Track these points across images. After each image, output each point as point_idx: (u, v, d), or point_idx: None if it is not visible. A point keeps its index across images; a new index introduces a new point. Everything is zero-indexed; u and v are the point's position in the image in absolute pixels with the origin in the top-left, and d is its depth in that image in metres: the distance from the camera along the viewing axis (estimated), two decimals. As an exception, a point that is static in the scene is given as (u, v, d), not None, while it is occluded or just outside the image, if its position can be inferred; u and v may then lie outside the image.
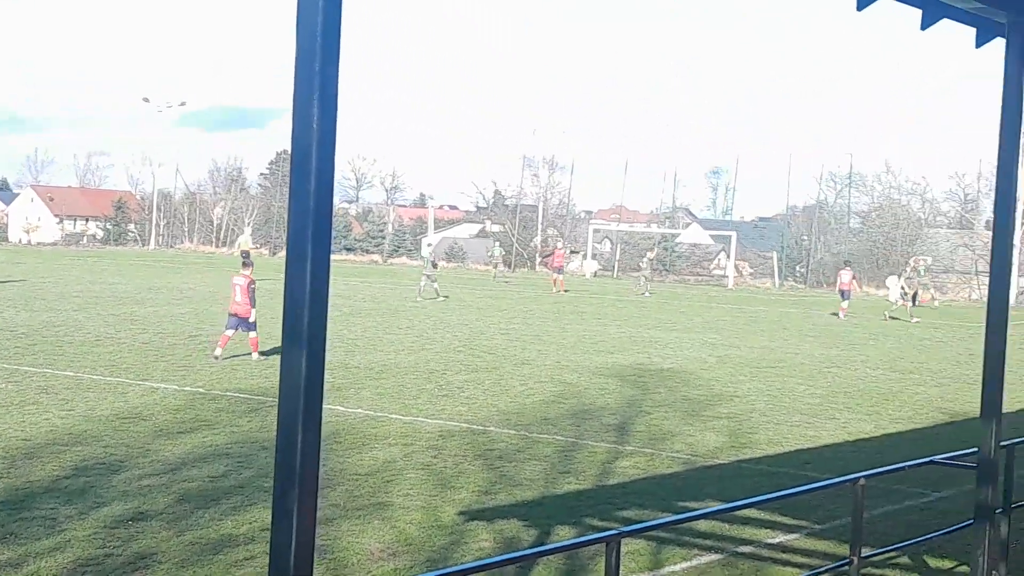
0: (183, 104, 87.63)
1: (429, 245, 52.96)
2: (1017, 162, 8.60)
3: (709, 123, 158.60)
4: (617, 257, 73.14)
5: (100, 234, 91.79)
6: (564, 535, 10.82)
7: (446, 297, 40.68)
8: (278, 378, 4.17)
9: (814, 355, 27.90)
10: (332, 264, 4.31)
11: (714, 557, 10.55)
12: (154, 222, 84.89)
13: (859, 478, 7.90)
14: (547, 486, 12.97)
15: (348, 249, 79.18)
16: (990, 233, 9.22)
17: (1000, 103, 8.34)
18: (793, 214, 77.89)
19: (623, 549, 6.03)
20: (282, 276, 4.20)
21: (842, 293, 42.88)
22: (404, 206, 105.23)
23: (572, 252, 68.46)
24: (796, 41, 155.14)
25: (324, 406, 4.23)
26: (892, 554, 10.14)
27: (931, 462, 9.60)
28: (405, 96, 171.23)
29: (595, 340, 28.99)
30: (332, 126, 4.17)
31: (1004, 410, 8.73)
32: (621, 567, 5.85)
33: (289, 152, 4.24)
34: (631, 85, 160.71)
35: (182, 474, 12.74)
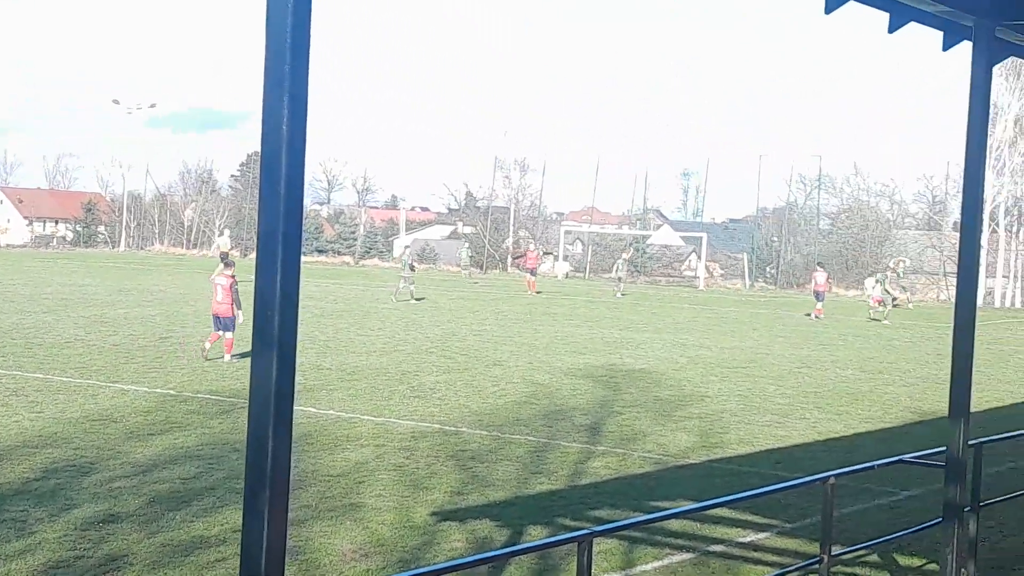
0: (153, 106, 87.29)
1: (406, 247, 52.63)
2: (984, 163, 8.68)
3: (679, 126, 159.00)
4: (589, 259, 73.21)
5: (70, 236, 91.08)
6: (536, 535, 10.84)
7: (420, 299, 40.60)
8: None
9: (784, 355, 28.03)
10: (304, 266, 4.31)
11: (686, 556, 10.60)
12: (124, 224, 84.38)
13: (829, 477, 7.96)
14: (519, 486, 12.98)
15: (320, 251, 78.92)
16: (958, 234, 9.30)
17: (967, 105, 8.42)
18: (763, 216, 78.08)
19: (595, 549, 6.05)
20: (253, 277, 4.20)
21: (817, 294, 42.96)
22: (376, 208, 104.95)
23: (545, 254, 68.45)
24: (764, 44, 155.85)
25: (296, 408, 4.24)
26: (862, 552, 10.21)
27: (900, 461, 9.68)
28: (377, 97, 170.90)
29: (567, 341, 29.02)
30: (302, 127, 4.17)
31: (972, 409, 8.80)
32: (593, 567, 5.87)
33: (260, 153, 4.24)
34: (601, 87, 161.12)
35: (153, 476, 12.70)
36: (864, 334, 36.03)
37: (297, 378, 4.22)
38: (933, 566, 9.75)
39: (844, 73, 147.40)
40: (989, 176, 58.62)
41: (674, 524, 11.33)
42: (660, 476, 13.97)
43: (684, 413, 18.59)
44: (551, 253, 72.70)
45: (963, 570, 8.82)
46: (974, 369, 8.69)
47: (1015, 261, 63.61)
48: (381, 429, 16.03)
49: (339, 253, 79.38)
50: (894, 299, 43.56)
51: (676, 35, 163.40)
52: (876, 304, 42.25)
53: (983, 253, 47.14)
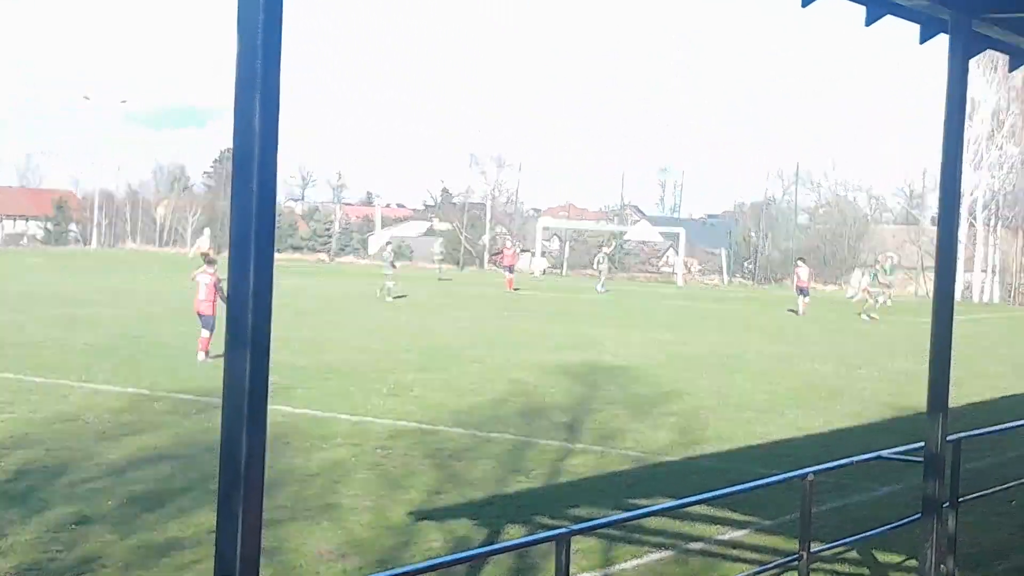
0: (124, 102, 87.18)
1: (388, 243, 52.23)
2: (961, 158, 8.66)
3: (657, 121, 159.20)
4: (566, 255, 73.29)
5: (41, 234, 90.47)
6: (514, 534, 10.79)
7: (398, 297, 40.47)
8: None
9: (763, 352, 28.06)
10: (278, 263, 4.25)
11: (665, 554, 10.57)
12: (96, 222, 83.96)
13: (808, 473, 7.93)
14: (497, 485, 12.93)
15: (295, 248, 78.79)
16: (935, 229, 9.28)
17: (944, 99, 8.40)
18: (741, 211, 78.45)
19: (573, 547, 6.00)
20: (226, 275, 4.13)
21: (800, 290, 42.94)
22: (351, 204, 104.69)
23: (522, 251, 68.44)
24: (742, 40, 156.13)
25: (271, 407, 4.18)
26: (841, 549, 10.20)
27: (879, 457, 9.66)
28: (351, 94, 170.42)
29: (545, 338, 28.99)
30: (274, 124, 4.12)
31: (950, 404, 8.79)
32: (572, 565, 5.82)
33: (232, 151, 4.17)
34: (577, 83, 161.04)
35: (126, 477, 12.58)
36: (843, 329, 36.14)
37: (272, 377, 4.16)
38: (912, 562, 9.73)
39: (821, 68, 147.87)
40: (967, 170, 58.86)
41: (653, 522, 11.27)
42: (639, 473, 13.94)
43: (663, 410, 18.57)
44: (528, 250, 72.71)
45: (942, 566, 8.81)
46: (952, 364, 8.66)
47: (993, 255, 63.96)
48: (358, 428, 15.94)
49: (314, 250, 79.28)
50: (880, 294, 43.61)
51: (654, 32, 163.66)
52: (865, 295, 42.28)
53: (961, 247, 47.39)
